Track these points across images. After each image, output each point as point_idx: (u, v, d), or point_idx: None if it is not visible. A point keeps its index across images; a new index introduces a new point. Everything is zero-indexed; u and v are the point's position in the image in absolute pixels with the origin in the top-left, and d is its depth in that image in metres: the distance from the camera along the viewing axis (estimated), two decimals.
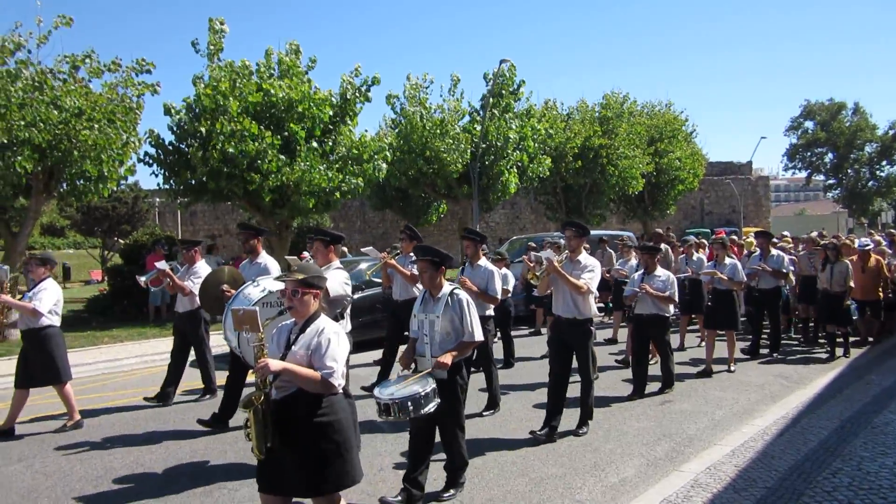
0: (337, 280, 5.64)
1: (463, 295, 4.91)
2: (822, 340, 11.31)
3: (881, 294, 11.31)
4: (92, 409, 7.89)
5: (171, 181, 15.69)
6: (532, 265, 9.09)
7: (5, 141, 11.69)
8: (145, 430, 6.99)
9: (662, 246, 12.93)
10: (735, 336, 9.52)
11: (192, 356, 8.31)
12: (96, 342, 12.92)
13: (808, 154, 58.09)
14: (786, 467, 5.35)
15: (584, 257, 6.42)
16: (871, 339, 11.52)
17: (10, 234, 13.68)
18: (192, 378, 8.63)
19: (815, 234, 14.36)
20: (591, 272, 6.29)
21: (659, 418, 7.01)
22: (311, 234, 6.25)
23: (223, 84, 14.53)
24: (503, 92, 21.70)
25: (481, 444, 6.17)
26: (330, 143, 15.98)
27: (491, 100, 20.94)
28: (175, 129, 15.38)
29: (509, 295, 9.72)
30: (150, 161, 15.30)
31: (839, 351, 10.32)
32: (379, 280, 10.27)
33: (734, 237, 15.64)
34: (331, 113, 15.95)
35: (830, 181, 58.96)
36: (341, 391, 3.71)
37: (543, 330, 14.22)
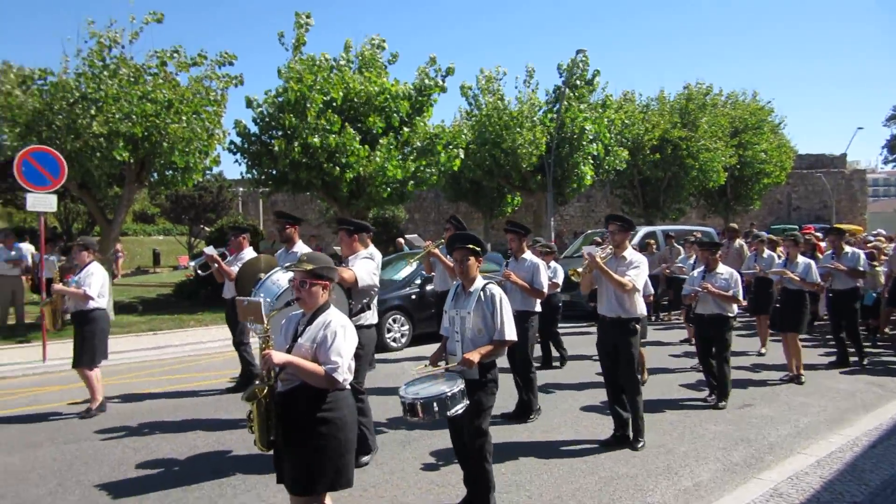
0: (365, 270, 5.56)
1: (496, 290, 4.58)
2: None
3: None
4: (176, 392, 8.27)
5: (254, 171, 16.24)
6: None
7: (103, 132, 12.35)
8: (212, 417, 7.27)
9: (737, 242, 12.39)
10: (799, 341, 8.78)
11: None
12: (183, 325, 13.54)
13: None
14: (878, 482, 5.04)
15: (630, 253, 6.11)
16: None
17: (105, 221, 14.48)
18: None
19: None
20: (636, 269, 5.94)
21: (738, 422, 6.75)
22: (337, 223, 6.15)
23: (307, 77, 14.89)
24: (577, 83, 21.34)
25: (536, 447, 6.10)
26: (406, 134, 16.13)
27: (566, 91, 20.62)
28: (259, 120, 15.88)
29: (558, 290, 9.40)
30: (235, 151, 15.87)
31: None
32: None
33: (815, 234, 14.68)
34: (407, 106, 16.11)
35: None
36: (348, 387, 3.59)
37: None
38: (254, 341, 8.27)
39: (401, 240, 10.07)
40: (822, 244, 12.21)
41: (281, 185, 16.30)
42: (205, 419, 7.07)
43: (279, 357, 3.42)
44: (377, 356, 10.05)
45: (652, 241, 14.32)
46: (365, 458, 5.56)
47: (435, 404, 4.12)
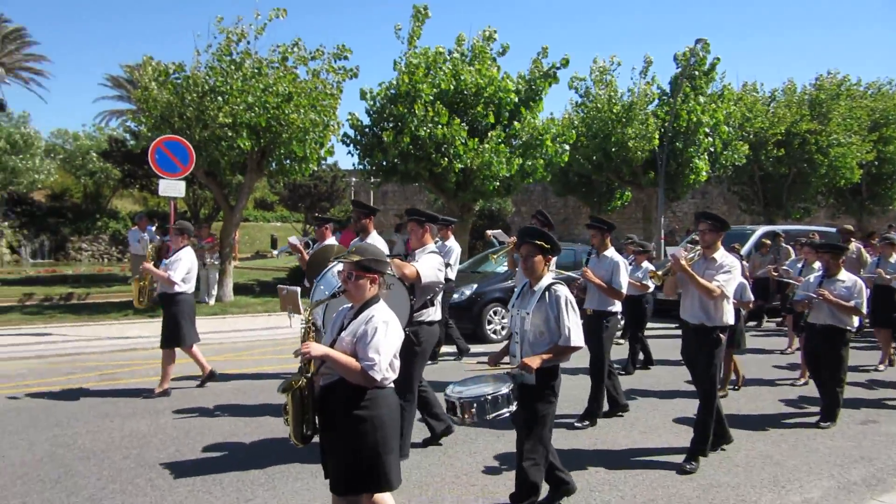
0: (429, 265, 5.40)
1: (562, 291, 4.25)
2: None
3: None
4: (287, 371, 8.70)
5: (366, 162, 16.73)
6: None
7: (228, 123, 13.13)
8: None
9: (853, 245, 11.29)
10: None
11: None
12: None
13: None
14: None
15: (722, 255, 5.53)
16: None
17: (228, 207, 15.41)
18: None
19: None
20: (726, 273, 5.39)
21: (858, 439, 6.28)
22: (407, 213, 6.00)
23: (420, 70, 15.15)
24: (695, 73, 20.42)
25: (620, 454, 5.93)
26: (515, 128, 16.08)
27: (682, 82, 19.80)
28: (371, 112, 16.34)
29: (649, 290, 8.95)
30: (348, 142, 16.41)
31: None
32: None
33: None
34: (516, 100, 16.04)
35: None
36: (388, 385, 3.46)
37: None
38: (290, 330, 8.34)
39: (489, 233, 10.02)
40: None
41: (390, 175, 16.70)
42: None
43: (318, 349, 3.36)
44: (477, 348, 10.16)
45: (768, 242, 13.44)
46: None
47: (475, 405, 3.96)
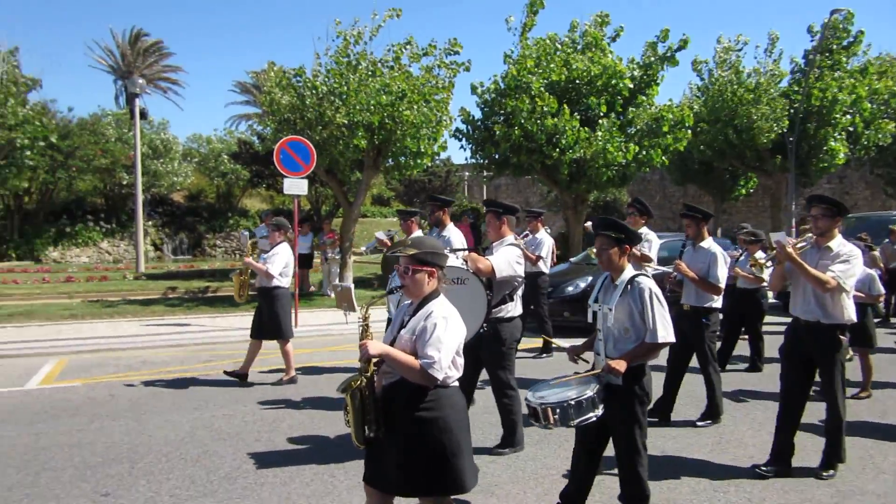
0: (505, 258, 5.22)
1: (647, 283, 3.91)
2: None
3: None
4: None
5: (478, 156, 16.82)
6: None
7: (346, 122, 13.60)
8: None
9: None
10: None
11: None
12: None
13: None
14: None
15: (839, 243, 4.88)
16: None
17: (347, 203, 15.99)
18: None
19: None
20: (844, 263, 4.76)
21: None
22: (485, 204, 5.81)
23: (529, 61, 15.04)
24: (833, 47, 18.90)
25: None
26: (630, 115, 15.60)
27: (815, 58, 18.40)
28: (482, 106, 16.39)
29: (764, 284, 8.22)
30: (460, 137, 16.55)
31: None
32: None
33: None
34: (631, 86, 15.54)
35: None
36: (453, 385, 3.31)
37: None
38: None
39: (587, 224, 9.73)
40: None
41: (503, 168, 16.71)
42: None
43: (375, 348, 3.19)
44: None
45: (895, 228, 12.04)
46: None
47: (558, 411, 3.71)
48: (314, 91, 13.93)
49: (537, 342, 9.61)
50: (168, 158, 28.63)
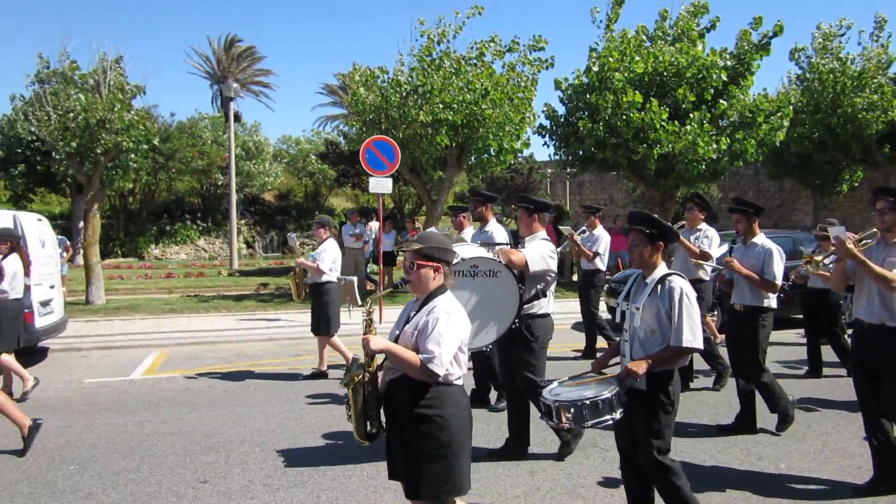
0: (538, 252, 5.07)
1: (678, 283, 3.68)
2: None
3: None
4: None
5: (562, 152, 16.59)
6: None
7: (429, 121, 13.72)
8: None
9: None
10: None
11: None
12: None
13: None
14: None
15: None
16: None
17: (430, 201, 16.14)
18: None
19: None
20: None
21: None
22: (517, 200, 5.61)
23: (614, 54, 14.71)
24: None
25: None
26: (721, 107, 14.99)
27: None
28: (566, 101, 16.15)
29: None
30: (544, 133, 16.37)
31: None
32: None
33: None
34: (724, 77, 14.91)
35: None
36: (456, 383, 3.23)
37: None
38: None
39: None
40: None
41: (587, 165, 16.43)
42: None
43: (376, 343, 3.16)
44: None
45: None
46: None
47: (571, 410, 3.55)
48: (398, 90, 14.11)
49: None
50: (259, 159, 29.72)
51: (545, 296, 5.22)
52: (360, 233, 14.60)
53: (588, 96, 15.20)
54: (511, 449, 5.34)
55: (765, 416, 6.05)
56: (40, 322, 8.93)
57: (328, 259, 7.86)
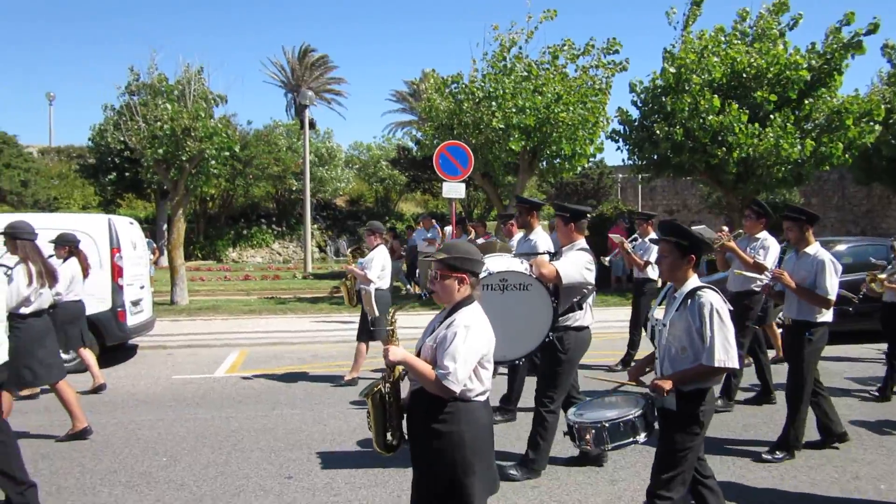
0: (573, 263, 4.86)
1: (709, 297, 3.44)
2: None
3: None
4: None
5: (635, 157, 16.29)
6: None
7: (502, 126, 13.73)
8: None
9: None
10: None
11: None
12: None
13: None
14: None
15: None
16: None
17: (501, 206, 16.13)
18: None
19: None
20: None
21: None
22: (554, 208, 5.35)
23: (690, 56, 14.36)
24: None
25: None
26: (806, 108, 14.41)
27: None
28: (641, 105, 15.86)
29: None
30: (617, 137, 16.13)
31: None
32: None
33: None
34: (807, 77, 14.32)
35: None
36: (476, 399, 3.08)
37: None
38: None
39: (694, 228, 8.99)
40: None
41: (662, 169, 16.08)
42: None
43: (395, 354, 3.07)
44: None
45: None
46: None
47: (592, 431, 3.39)
48: (471, 96, 14.19)
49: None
50: (332, 165, 30.42)
51: (581, 308, 5.00)
52: (432, 237, 14.72)
53: (664, 99, 14.90)
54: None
55: (861, 435, 5.77)
56: (131, 320, 9.39)
57: (376, 267, 7.83)
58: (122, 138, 18.24)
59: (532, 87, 14.12)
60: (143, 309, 10.02)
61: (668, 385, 3.40)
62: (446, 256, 3.14)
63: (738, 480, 4.95)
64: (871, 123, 14.41)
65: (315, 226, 30.18)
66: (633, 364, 3.78)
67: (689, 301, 3.48)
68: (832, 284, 5.23)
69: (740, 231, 7.17)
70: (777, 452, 5.38)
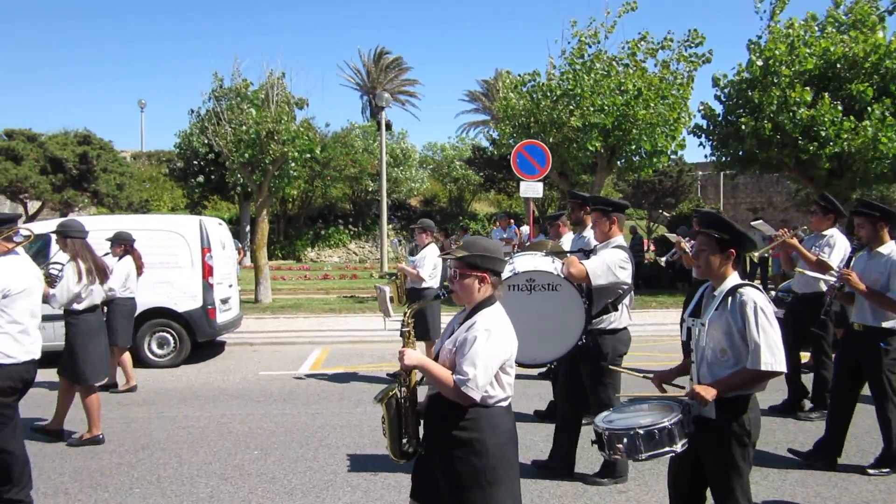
0: (603, 263, 4.61)
1: (751, 295, 3.14)
2: None
3: None
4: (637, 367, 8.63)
5: (719, 152, 15.75)
6: None
7: (580, 125, 13.54)
8: None
9: None
10: None
11: None
12: (644, 306, 14.04)
13: None
14: None
15: None
16: None
17: None
18: None
19: None
20: None
21: None
22: (592, 202, 5.14)
23: (780, 47, 13.75)
24: None
25: None
26: None
27: None
28: (725, 99, 15.32)
29: None
30: (700, 133, 15.63)
31: None
32: None
33: None
34: None
35: None
36: (498, 406, 2.92)
37: None
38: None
39: (752, 223, 8.44)
40: None
41: (748, 165, 15.51)
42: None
43: (411, 358, 2.92)
44: None
45: None
46: None
47: (624, 440, 3.10)
48: (549, 94, 14.05)
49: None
50: (406, 166, 30.73)
51: (616, 309, 4.76)
52: (509, 237, 14.67)
53: (750, 93, 14.34)
54: (555, 467, 5.05)
55: None
56: (221, 318, 9.75)
57: (428, 265, 7.82)
58: (207, 142, 18.99)
59: (612, 84, 13.84)
60: (231, 307, 10.39)
61: (710, 394, 3.09)
62: (466, 254, 2.95)
63: (844, 494, 4.72)
64: None
65: (390, 226, 30.59)
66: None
67: (730, 300, 3.19)
68: None
69: (804, 228, 6.70)
70: (883, 467, 5.05)
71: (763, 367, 3.06)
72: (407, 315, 3.11)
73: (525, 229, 15.20)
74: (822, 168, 13.91)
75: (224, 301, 10.00)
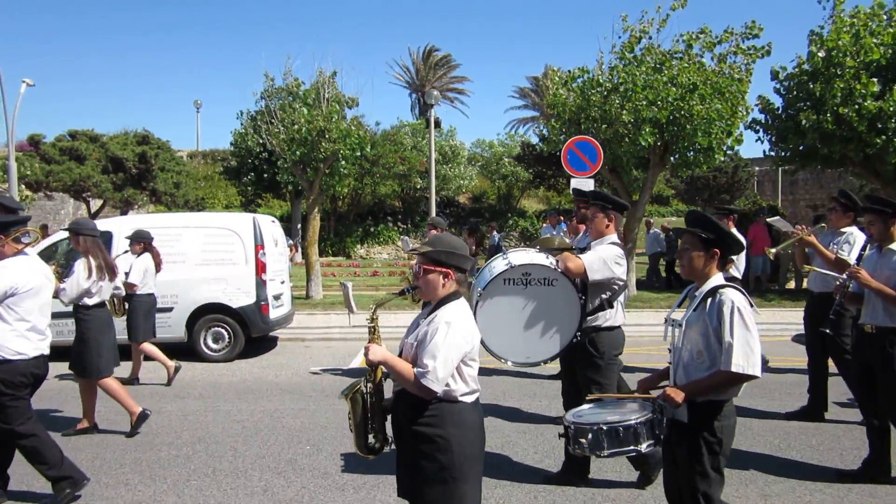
0: (601, 256, 4.54)
1: (730, 296, 3.08)
2: None
3: None
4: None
5: (778, 147, 15.25)
6: None
7: (632, 120, 13.28)
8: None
9: None
10: None
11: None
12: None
13: None
14: None
15: None
16: None
17: (630, 202, 15.61)
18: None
19: None
20: None
21: None
22: (591, 197, 4.97)
23: (844, 37, 13.21)
24: None
25: None
26: None
27: None
28: (784, 93, 14.81)
29: None
30: (758, 128, 15.17)
31: None
32: None
33: None
34: None
35: None
36: (463, 400, 2.93)
37: None
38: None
39: (769, 220, 7.99)
40: None
41: (809, 161, 14.95)
42: None
43: (375, 353, 2.95)
44: None
45: None
46: None
47: (588, 435, 3.08)
48: (599, 89, 13.83)
49: None
50: (455, 163, 30.74)
51: (611, 306, 4.72)
52: (556, 234, 14.50)
53: (811, 86, 13.80)
54: (567, 475, 4.92)
55: None
56: (273, 314, 9.92)
57: None
58: (261, 140, 19.32)
59: (665, 78, 13.51)
60: (284, 303, 10.56)
61: (679, 396, 3.06)
62: (430, 250, 3.00)
63: None
64: None
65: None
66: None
67: (710, 300, 3.14)
68: None
69: (823, 225, 6.47)
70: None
71: (734, 369, 2.99)
72: (373, 310, 3.14)
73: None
74: (889, 163, 13.32)
75: (276, 297, 10.17)
